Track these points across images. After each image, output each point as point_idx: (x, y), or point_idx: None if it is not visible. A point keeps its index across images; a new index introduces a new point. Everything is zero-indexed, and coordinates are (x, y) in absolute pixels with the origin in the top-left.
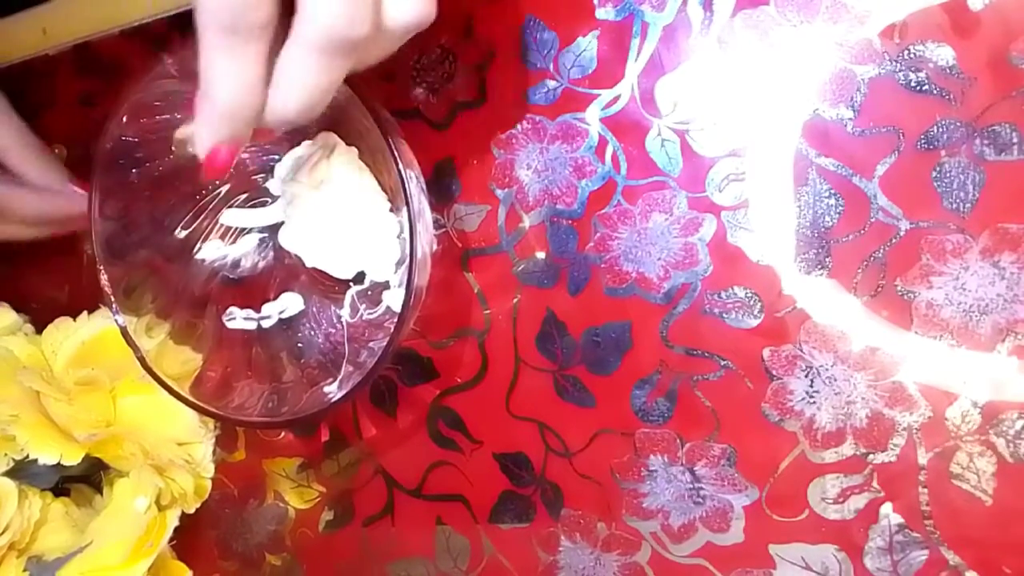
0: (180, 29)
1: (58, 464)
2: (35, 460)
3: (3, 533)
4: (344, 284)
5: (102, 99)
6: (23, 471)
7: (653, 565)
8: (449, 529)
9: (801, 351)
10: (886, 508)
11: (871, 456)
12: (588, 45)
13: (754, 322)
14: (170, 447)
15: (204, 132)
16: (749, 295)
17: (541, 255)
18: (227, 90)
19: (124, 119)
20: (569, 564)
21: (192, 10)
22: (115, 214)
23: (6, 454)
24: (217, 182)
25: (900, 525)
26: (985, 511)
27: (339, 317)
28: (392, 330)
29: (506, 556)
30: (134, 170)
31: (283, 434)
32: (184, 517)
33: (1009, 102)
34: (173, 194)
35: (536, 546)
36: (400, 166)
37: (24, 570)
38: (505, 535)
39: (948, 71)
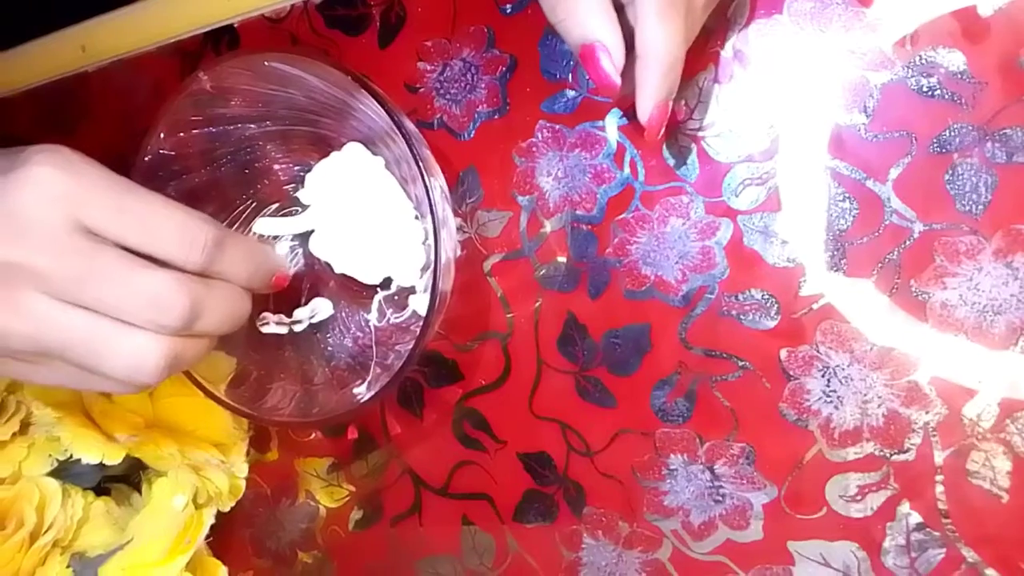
0: (214, 46)
1: (100, 464)
2: (78, 460)
3: (48, 531)
4: (372, 289)
5: (140, 114)
6: (66, 471)
7: (674, 562)
8: (475, 527)
9: (818, 351)
10: (904, 506)
11: (888, 454)
12: None
13: (771, 323)
14: (206, 448)
15: (649, 92)
16: (766, 297)
17: (562, 260)
18: (669, 49)
19: (162, 134)
20: (592, 561)
21: (225, 26)
22: None
23: (50, 455)
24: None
25: (918, 522)
26: (1002, 508)
27: (367, 321)
28: (418, 333)
29: (530, 554)
30: (171, 183)
31: (314, 434)
32: (219, 515)
33: (1020, 105)
34: (209, 205)
35: (559, 544)
36: (425, 175)
37: (68, 566)
38: (529, 533)
39: (959, 76)
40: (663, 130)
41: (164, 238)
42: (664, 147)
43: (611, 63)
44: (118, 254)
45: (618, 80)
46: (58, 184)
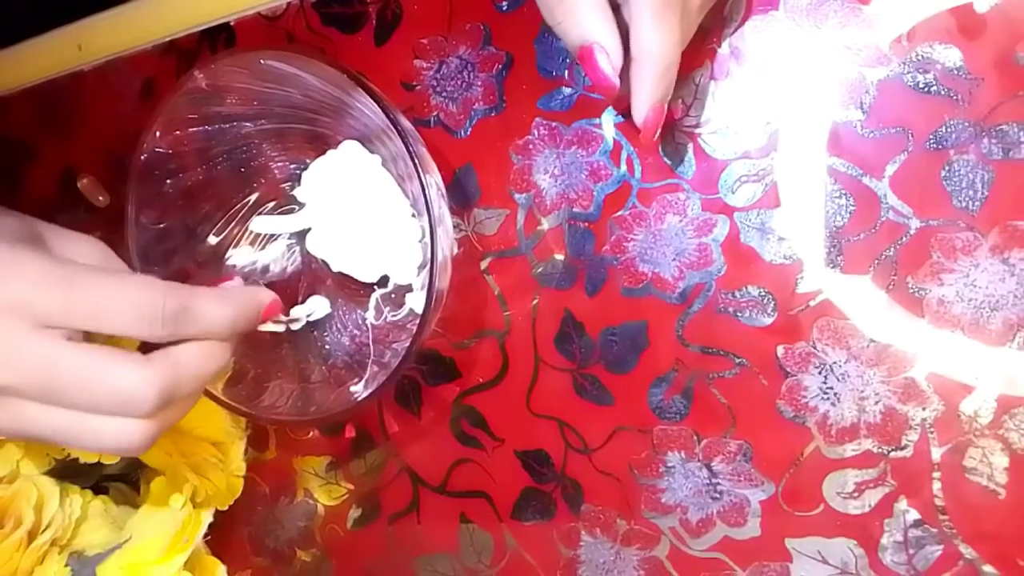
0: (210, 44)
1: (98, 463)
2: (76, 459)
3: (46, 530)
4: (368, 287)
5: (136, 113)
6: (64, 470)
7: (672, 559)
8: (473, 525)
9: (815, 348)
10: (901, 502)
11: (885, 451)
12: None
13: (768, 320)
14: (204, 447)
15: (644, 94)
16: (763, 294)
17: (559, 257)
18: (664, 51)
19: (158, 132)
20: (590, 559)
21: (221, 24)
22: (150, 223)
23: (48, 454)
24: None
25: (915, 519)
26: (999, 505)
27: (364, 319)
28: (415, 331)
29: (528, 551)
30: (168, 181)
31: (312, 433)
32: (218, 514)
33: (1016, 101)
34: (205, 203)
35: (557, 541)
36: (421, 173)
37: (66, 565)
38: (527, 531)
39: (955, 72)
40: (659, 132)
41: (120, 320)
42: (661, 145)
43: (609, 64)
44: (78, 355)
45: (617, 81)
46: (6, 295)
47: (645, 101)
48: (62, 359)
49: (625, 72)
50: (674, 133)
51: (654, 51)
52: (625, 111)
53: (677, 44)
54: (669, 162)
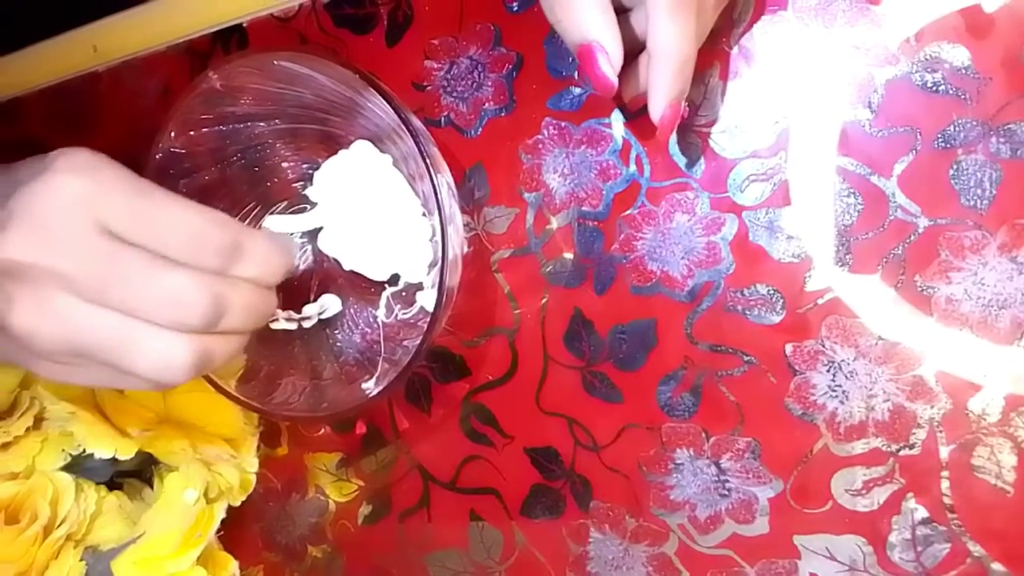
0: (223, 45)
1: (113, 459)
2: (91, 455)
3: (61, 524)
4: (380, 286)
5: (150, 113)
6: (79, 466)
7: (681, 556)
8: (483, 522)
9: (823, 346)
10: (909, 500)
11: (894, 449)
12: None
13: (776, 318)
14: (217, 443)
15: (661, 91)
16: (771, 292)
17: (568, 256)
18: (681, 48)
19: (172, 133)
20: (599, 555)
21: (234, 25)
22: None
23: (64, 449)
24: (260, 189)
25: (923, 517)
26: (1008, 502)
27: (375, 317)
28: (425, 329)
29: (538, 548)
30: (182, 180)
31: (323, 429)
32: (230, 510)
33: None
34: (219, 202)
35: (567, 538)
36: (432, 172)
37: (81, 560)
38: (536, 527)
39: (963, 71)
40: (675, 129)
41: (179, 241)
42: (670, 144)
43: (608, 63)
44: (138, 255)
45: (615, 80)
46: (80, 188)
47: (662, 98)
48: (124, 255)
49: (628, 72)
50: (684, 132)
51: (671, 48)
52: (631, 110)
53: (693, 40)
54: (678, 161)
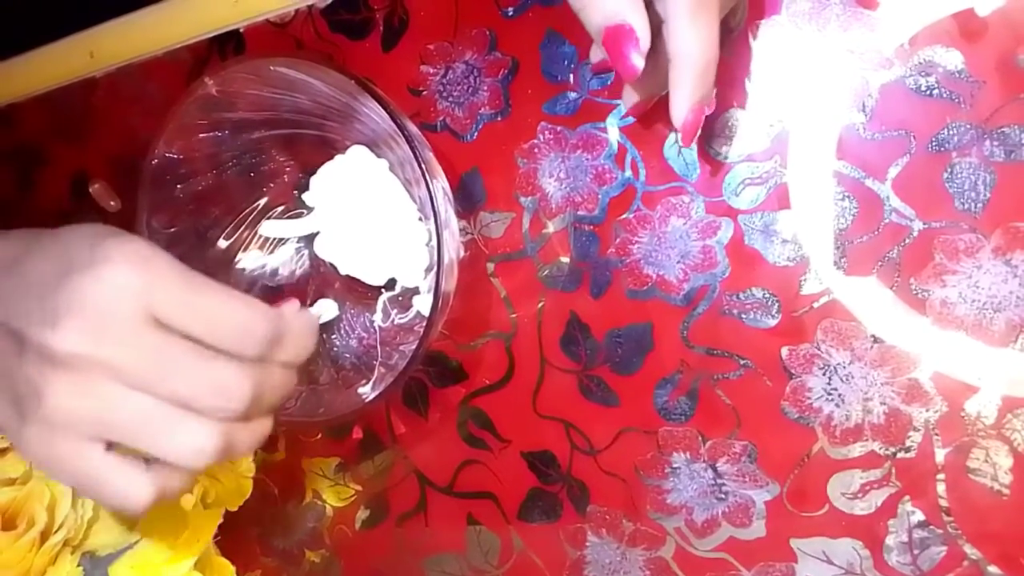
0: (220, 51)
1: None
2: None
3: (58, 530)
4: (376, 290)
5: (147, 119)
6: None
7: (678, 560)
8: (480, 526)
9: (819, 350)
10: (906, 503)
11: (890, 452)
12: None
13: (772, 322)
14: None
15: (683, 95)
16: (767, 296)
17: (564, 260)
18: (703, 50)
19: (169, 138)
20: (596, 559)
21: (234, 31)
22: (161, 227)
23: None
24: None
25: (920, 520)
26: (1004, 505)
27: (372, 322)
28: (422, 333)
29: (535, 552)
30: (179, 186)
31: (320, 435)
32: (227, 515)
33: (1018, 104)
34: (215, 207)
35: (564, 542)
36: (427, 177)
37: (78, 566)
38: (534, 531)
39: (957, 75)
40: (698, 133)
41: (226, 332)
42: (664, 148)
43: (636, 47)
44: (186, 346)
45: (642, 65)
46: (135, 281)
47: (685, 102)
48: (173, 346)
49: (651, 69)
50: (678, 137)
51: (693, 50)
52: (638, 115)
53: (715, 42)
54: (673, 165)
